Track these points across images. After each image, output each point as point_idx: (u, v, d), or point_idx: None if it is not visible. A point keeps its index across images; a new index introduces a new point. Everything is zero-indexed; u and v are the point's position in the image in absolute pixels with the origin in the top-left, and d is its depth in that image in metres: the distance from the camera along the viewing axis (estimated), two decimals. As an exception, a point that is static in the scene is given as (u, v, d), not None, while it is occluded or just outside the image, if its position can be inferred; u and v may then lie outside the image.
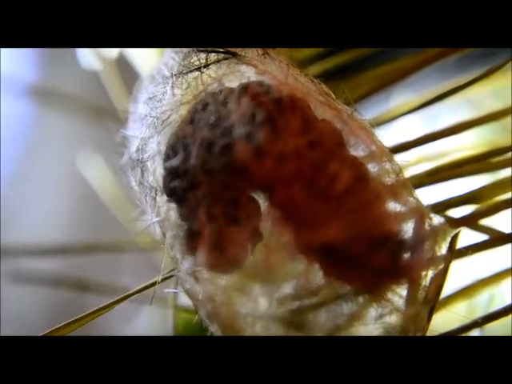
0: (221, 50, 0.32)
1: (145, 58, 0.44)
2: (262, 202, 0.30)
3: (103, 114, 0.46)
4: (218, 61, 0.32)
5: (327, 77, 0.35)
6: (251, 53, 0.32)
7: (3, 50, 0.64)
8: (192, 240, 0.29)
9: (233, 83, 0.31)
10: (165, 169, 0.30)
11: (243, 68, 0.32)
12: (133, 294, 0.34)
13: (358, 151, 0.31)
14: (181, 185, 0.29)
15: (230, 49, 0.32)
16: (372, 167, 0.31)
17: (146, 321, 0.52)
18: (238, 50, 0.32)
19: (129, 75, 0.44)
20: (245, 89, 0.30)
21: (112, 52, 0.47)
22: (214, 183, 0.29)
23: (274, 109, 0.29)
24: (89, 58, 0.48)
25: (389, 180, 0.31)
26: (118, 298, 0.34)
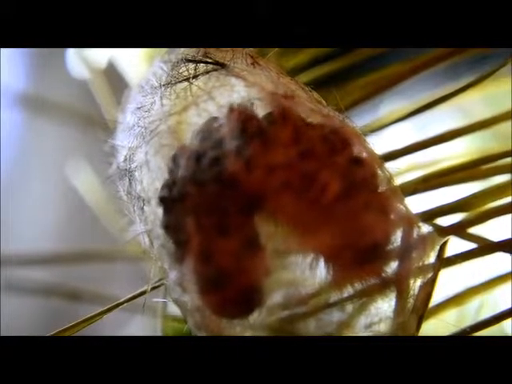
0: (209, 60, 0.32)
1: (134, 67, 0.44)
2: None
3: (92, 123, 0.46)
4: (206, 72, 0.31)
5: (318, 84, 0.35)
6: (240, 63, 0.32)
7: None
8: (180, 250, 0.29)
9: (223, 96, 0.31)
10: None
11: (233, 81, 0.32)
12: (122, 303, 0.34)
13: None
14: (169, 195, 0.29)
15: (218, 60, 0.32)
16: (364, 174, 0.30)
17: (136, 330, 0.52)
18: (228, 56, 0.32)
19: (118, 84, 0.44)
20: (235, 105, 0.30)
21: (101, 61, 0.47)
22: (203, 194, 0.29)
23: (264, 121, 0.29)
24: (78, 67, 0.48)
25: (379, 187, 0.31)
26: (107, 307, 0.34)
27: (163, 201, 0.30)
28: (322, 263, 0.29)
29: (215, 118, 0.30)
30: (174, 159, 0.30)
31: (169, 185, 0.30)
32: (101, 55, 0.47)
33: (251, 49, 0.34)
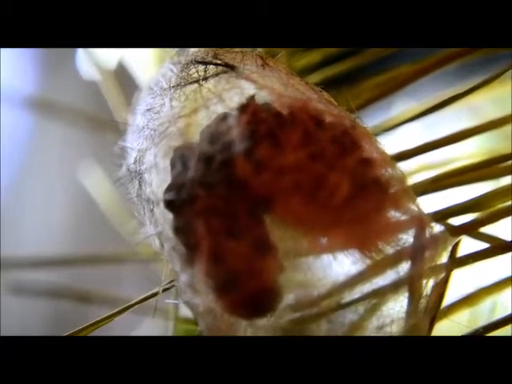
0: (219, 62, 0.31)
1: (144, 69, 0.44)
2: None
3: (103, 125, 0.46)
4: (216, 74, 0.31)
5: (329, 85, 0.35)
6: (250, 64, 0.32)
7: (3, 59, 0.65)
8: (190, 252, 0.29)
9: (233, 99, 0.31)
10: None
11: (243, 83, 0.31)
12: (133, 305, 0.34)
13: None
14: (177, 197, 0.29)
15: (228, 62, 0.32)
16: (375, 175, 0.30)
17: (147, 332, 0.52)
18: (238, 57, 0.32)
19: (128, 86, 0.44)
20: (245, 106, 0.30)
21: (111, 62, 0.47)
22: (212, 197, 0.29)
23: (274, 123, 0.29)
24: (88, 68, 0.48)
25: (390, 188, 0.31)
26: (118, 309, 0.34)
27: (169, 204, 0.30)
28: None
29: (225, 116, 0.30)
30: (182, 160, 0.30)
31: (177, 187, 0.30)
32: (111, 57, 0.47)
33: (261, 50, 0.33)
